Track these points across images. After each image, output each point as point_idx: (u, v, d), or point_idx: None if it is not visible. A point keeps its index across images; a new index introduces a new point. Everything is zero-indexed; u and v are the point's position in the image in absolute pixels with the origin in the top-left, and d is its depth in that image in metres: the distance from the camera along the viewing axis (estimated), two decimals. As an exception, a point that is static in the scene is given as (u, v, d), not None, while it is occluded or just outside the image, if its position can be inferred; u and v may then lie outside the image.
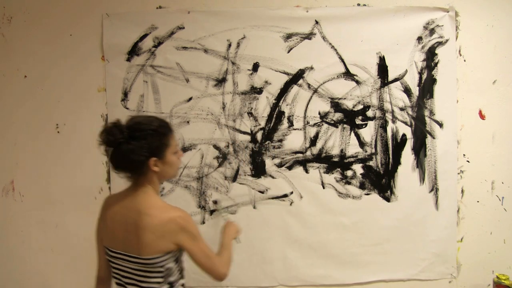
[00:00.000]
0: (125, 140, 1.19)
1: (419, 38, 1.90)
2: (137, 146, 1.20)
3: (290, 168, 1.93)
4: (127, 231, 1.23)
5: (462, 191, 1.95)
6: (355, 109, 1.92)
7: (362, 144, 1.92)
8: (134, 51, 1.91)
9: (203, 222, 1.94)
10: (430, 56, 1.90)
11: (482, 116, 1.95)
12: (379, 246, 1.94)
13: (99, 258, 1.39)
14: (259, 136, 1.92)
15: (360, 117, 1.92)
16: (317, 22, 1.89)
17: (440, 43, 1.90)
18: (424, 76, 1.91)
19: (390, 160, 1.92)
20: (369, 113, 1.92)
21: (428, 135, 1.92)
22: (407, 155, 1.92)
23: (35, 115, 1.96)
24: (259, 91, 1.91)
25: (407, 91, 1.91)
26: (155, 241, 1.21)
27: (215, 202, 1.94)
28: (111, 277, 1.37)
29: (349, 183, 1.93)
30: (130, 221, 1.22)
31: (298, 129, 1.92)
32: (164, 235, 1.21)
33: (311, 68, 1.90)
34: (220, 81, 1.91)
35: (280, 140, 1.92)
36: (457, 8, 1.90)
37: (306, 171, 1.92)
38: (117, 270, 1.30)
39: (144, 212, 1.21)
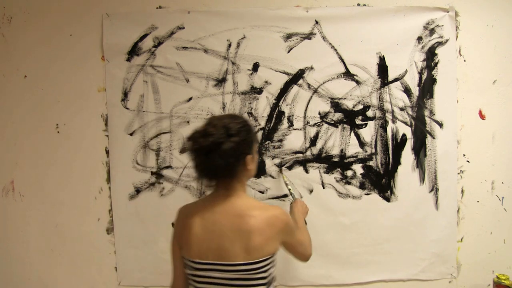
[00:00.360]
0: (225, 138, 1.13)
1: (419, 38, 1.90)
2: (237, 143, 1.15)
3: (290, 168, 1.93)
4: (228, 238, 1.14)
5: (462, 191, 1.95)
6: (355, 109, 1.92)
7: (362, 144, 1.92)
8: (134, 51, 1.91)
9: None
10: (430, 56, 1.90)
11: (482, 116, 1.95)
12: (379, 246, 1.94)
13: (176, 274, 1.28)
14: (259, 136, 1.92)
15: (360, 117, 1.92)
16: (317, 22, 1.89)
17: (440, 43, 1.90)
18: (424, 76, 1.91)
19: (390, 160, 1.92)
20: (369, 113, 1.92)
21: (428, 135, 1.92)
22: (407, 155, 1.92)
23: (35, 115, 1.96)
24: (259, 91, 1.91)
25: (407, 91, 1.91)
26: (263, 242, 1.14)
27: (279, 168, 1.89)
28: None
29: (349, 183, 1.93)
30: (231, 227, 1.14)
31: (298, 129, 1.92)
32: (272, 235, 1.16)
33: (311, 68, 1.90)
34: (220, 81, 1.91)
35: (280, 140, 1.92)
36: (457, 8, 1.90)
37: (306, 171, 1.92)
38: (205, 285, 1.18)
39: (246, 214, 1.15)
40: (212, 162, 1.13)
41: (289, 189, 1.83)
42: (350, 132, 1.92)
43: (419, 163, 1.92)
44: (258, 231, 1.13)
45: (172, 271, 1.30)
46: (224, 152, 1.12)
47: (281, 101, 1.91)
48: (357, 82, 1.91)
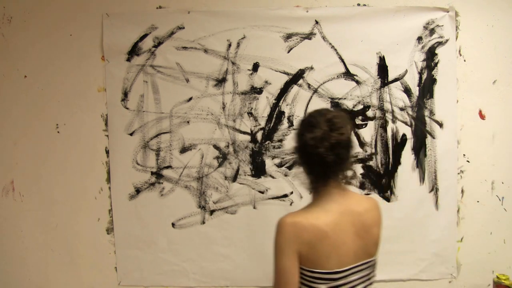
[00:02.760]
0: (350, 133, 1.16)
1: (419, 38, 1.90)
2: (350, 136, 1.17)
3: (290, 168, 1.92)
4: (359, 237, 1.13)
5: (462, 191, 1.95)
6: (355, 109, 1.92)
7: (362, 144, 1.92)
8: (134, 51, 1.91)
9: (203, 222, 1.94)
10: (430, 56, 1.90)
11: (482, 116, 1.94)
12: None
13: None
14: (259, 136, 1.92)
15: (360, 117, 1.92)
16: (317, 22, 1.89)
17: (440, 43, 1.90)
18: (424, 76, 1.91)
19: (390, 160, 1.92)
20: (369, 113, 1.92)
21: (428, 135, 1.92)
22: (407, 155, 1.92)
23: (35, 115, 1.96)
24: (259, 91, 1.91)
25: (407, 91, 1.91)
26: (380, 233, 1.19)
27: None
28: None
29: (349, 183, 1.92)
30: (358, 225, 1.13)
31: (298, 129, 1.91)
32: (381, 224, 1.21)
33: (311, 68, 1.90)
34: (220, 81, 1.91)
35: (280, 140, 1.92)
36: (457, 8, 1.90)
37: (306, 171, 1.92)
38: None
39: (363, 210, 1.16)
40: (340, 157, 1.12)
41: None
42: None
43: (419, 163, 1.92)
44: (376, 224, 1.18)
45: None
46: (352, 145, 1.16)
47: (281, 101, 1.91)
48: (357, 82, 1.90)
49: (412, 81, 1.91)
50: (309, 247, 1.08)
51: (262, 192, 1.93)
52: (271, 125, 1.92)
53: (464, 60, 1.92)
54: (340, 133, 1.11)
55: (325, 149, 1.09)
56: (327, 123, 1.12)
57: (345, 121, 1.15)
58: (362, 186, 1.93)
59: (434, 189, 1.93)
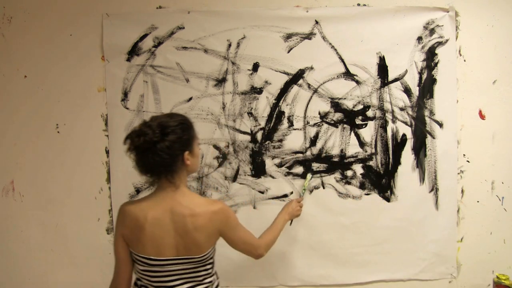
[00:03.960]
0: (159, 137, 1.20)
1: (419, 38, 1.90)
2: (172, 141, 1.22)
3: (290, 168, 1.93)
4: (179, 236, 1.24)
5: (462, 191, 1.95)
6: (355, 109, 1.92)
7: (362, 144, 1.92)
8: (134, 51, 1.91)
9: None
10: (430, 56, 1.90)
11: (482, 116, 1.95)
12: (379, 246, 1.94)
13: (122, 269, 1.30)
14: (259, 136, 1.92)
15: (360, 117, 1.92)
16: (317, 22, 1.89)
17: (440, 43, 1.90)
18: (424, 76, 1.91)
19: (390, 160, 1.92)
20: (369, 113, 1.92)
21: (428, 135, 1.92)
22: (407, 155, 1.92)
23: (35, 115, 1.96)
24: (259, 91, 1.91)
25: (407, 91, 1.91)
26: (208, 237, 1.27)
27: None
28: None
29: (349, 183, 1.93)
30: (179, 225, 1.24)
31: (298, 129, 1.92)
32: (213, 230, 1.28)
33: (311, 68, 1.90)
34: (220, 81, 1.91)
35: (280, 140, 1.92)
36: (457, 8, 1.90)
37: (306, 171, 1.92)
38: (161, 278, 1.26)
39: (190, 214, 1.24)
40: (148, 160, 1.20)
41: (303, 190, 1.87)
42: (350, 132, 1.92)
43: (419, 163, 1.92)
44: (202, 229, 1.24)
45: (117, 266, 1.31)
46: (160, 150, 1.19)
47: (281, 101, 1.91)
48: (357, 82, 1.91)
49: (412, 81, 1.91)
50: (130, 232, 1.26)
51: (262, 192, 1.93)
52: (271, 125, 1.92)
53: (464, 60, 1.92)
54: (137, 139, 1.19)
55: (133, 153, 1.22)
56: (137, 127, 1.23)
57: (154, 127, 1.21)
58: (362, 186, 1.93)
59: (434, 189, 1.93)
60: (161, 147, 1.20)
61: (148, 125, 1.22)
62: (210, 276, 1.34)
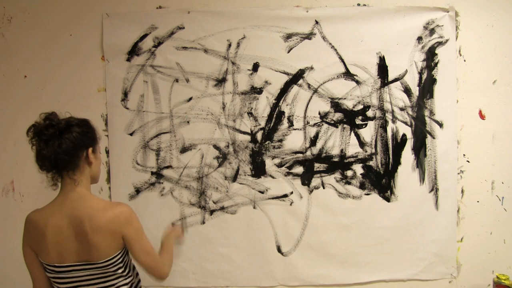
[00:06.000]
0: (66, 128, 1.21)
1: (419, 38, 1.90)
2: (78, 132, 1.23)
3: (290, 168, 1.92)
4: (78, 241, 1.21)
5: (462, 191, 1.95)
6: (355, 109, 1.92)
7: (362, 144, 1.92)
8: (134, 51, 1.91)
9: (203, 222, 1.94)
10: (430, 56, 1.90)
11: (482, 116, 1.95)
12: (379, 246, 1.94)
13: (36, 277, 1.28)
14: (259, 136, 1.92)
15: (360, 117, 1.92)
16: (317, 22, 1.89)
17: (440, 43, 1.90)
18: (424, 76, 1.91)
19: (390, 160, 1.92)
20: (369, 113, 1.92)
21: (428, 135, 1.92)
22: (407, 155, 1.92)
23: (35, 115, 1.95)
24: (259, 91, 1.91)
25: (407, 91, 1.91)
26: (109, 242, 1.22)
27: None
28: None
29: (349, 183, 1.93)
30: (77, 230, 1.21)
31: (298, 129, 1.92)
32: (113, 233, 1.23)
33: (311, 68, 1.90)
34: (220, 81, 1.91)
35: (280, 140, 1.92)
36: (457, 8, 1.90)
37: (306, 171, 1.92)
38: (69, 284, 1.24)
39: (88, 218, 1.20)
40: (53, 148, 1.18)
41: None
42: (350, 132, 1.92)
43: (419, 163, 1.92)
44: (99, 233, 1.20)
45: (32, 277, 1.29)
46: (65, 138, 1.19)
47: (281, 101, 1.91)
48: (357, 82, 1.91)
49: (412, 81, 1.91)
50: (34, 242, 1.24)
51: (262, 192, 1.93)
52: (271, 125, 1.92)
53: (464, 60, 1.92)
54: (45, 128, 1.20)
55: (36, 140, 1.21)
56: (43, 119, 1.25)
57: (60, 119, 1.24)
58: (362, 186, 1.93)
59: (434, 189, 1.93)
60: (68, 136, 1.20)
61: (52, 116, 1.24)
62: (125, 279, 1.30)
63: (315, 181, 1.93)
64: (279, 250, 1.94)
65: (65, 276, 1.23)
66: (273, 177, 1.93)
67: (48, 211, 1.26)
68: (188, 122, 1.92)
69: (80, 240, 1.21)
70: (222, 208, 1.94)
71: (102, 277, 1.25)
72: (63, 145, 1.19)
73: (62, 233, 1.21)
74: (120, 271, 1.27)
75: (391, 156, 1.92)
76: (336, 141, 1.92)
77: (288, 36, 1.89)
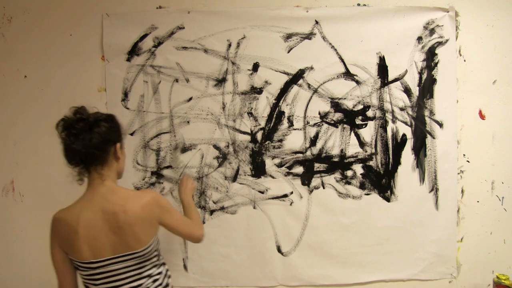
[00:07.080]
0: (95, 122, 1.22)
1: (419, 38, 1.90)
2: (107, 127, 1.23)
3: (290, 168, 1.93)
4: (114, 233, 1.21)
5: (462, 191, 1.95)
6: (355, 109, 1.92)
7: (362, 144, 1.92)
8: (134, 51, 1.91)
9: (203, 222, 1.94)
10: (430, 56, 1.90)
11: (482, 116, 1.95)
12: (379, 246, 1.94)
13: (63, 279, 1.27)
14: (259, 136, 1.92)
15: (360, 117, 1.92)
16: (317, 22, 1.89)
17: (440, 43, 1.90)
18: (424, 76, 1.91)
19: (390, 160, 1.92)
20: (369, 113, 1.92)
21: (428, 135, 1.92)
22: (407, 155, 1.92)
23: (35, 115, 1.96)
24: (259, 91, 1.91)
25: (407, 91, 1.91)
26: (146, 229, 1.24)
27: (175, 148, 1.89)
28: None
29: (349, 183, 1.93)
30: (112, 223, 1.21)
31: (298, 129, 1.92)
32: (150, 220, 1.25)
33: (311, 68, 1.90)
34: (220, 81, 1.91)
35: (280, 140, 1.92)
36: (457, 8, 1.90)
37: (307, 171, 1.92)
38: (106, 279, 1.24)
39: (122, 210, 1.21)
40: (83, 142, 1.18)
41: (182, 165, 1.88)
42: (350, 132, 1.92)
43: (419, 163, 1.92)
44: (136, 223, 1.21)
45: (59, 279, 1.28)
46: (95, 132, 1.20)
47: (281, 101, 1.91)
48: (357, 82, 1.91)
49: (412, 81, 1.91)
50: (64, 241, 1.23)
51: (262, 192, 1.93)
52: (271, 125, 1.92)
53: (464, 60, 1.92)
54: (75, 122, 1.22)
55: (66, 134, 1.20)
56: (71, 114, 1.26)
57: (89, 114, 1.25)
58: (362, 186, 1.93)
59: (434, 189, 1.93)
60: (98, 131, 1.20)
61: (80, 110, 1.24)
62: (159, 267, 1.32)
63: (315, 181, 1.93)
64: (279, 250, 1.94)
65: (102, 271, 1.23)
66: (273, 177, 1.93)
67: (77, 208, 1.25)
68: (188, 122, 1.92)
69: (116, 232, 1.21)
70: (222, 208, 1.94)
71: (139, 268, 1.26)
72: (93, 139, 1.19)
73: (96, 228, 1.21)
74: (155, 259, 1.30)
75: (391, 156, 1.92)
76: (336, 141, 1.92)
77: (288, 36, 1.89)
